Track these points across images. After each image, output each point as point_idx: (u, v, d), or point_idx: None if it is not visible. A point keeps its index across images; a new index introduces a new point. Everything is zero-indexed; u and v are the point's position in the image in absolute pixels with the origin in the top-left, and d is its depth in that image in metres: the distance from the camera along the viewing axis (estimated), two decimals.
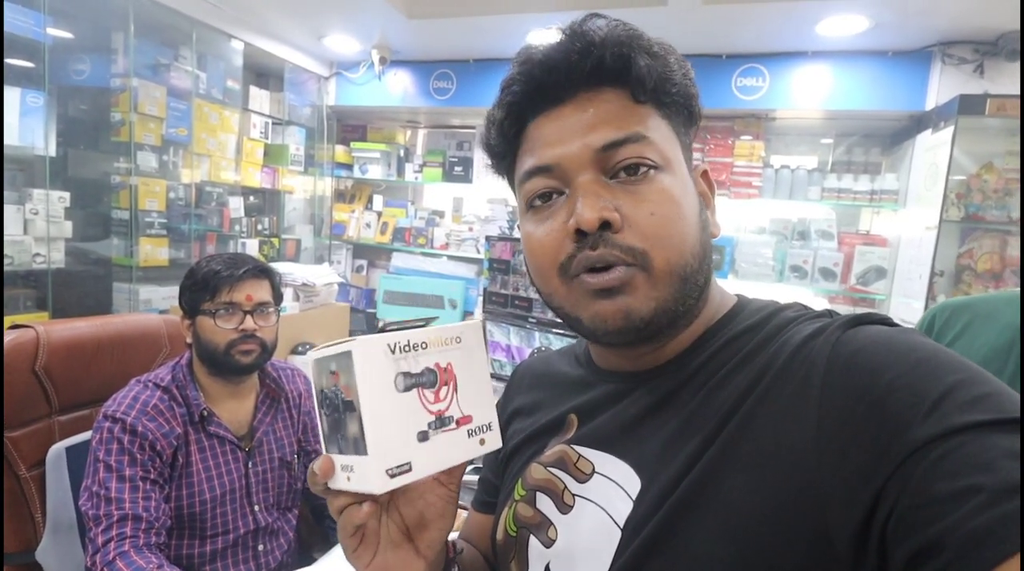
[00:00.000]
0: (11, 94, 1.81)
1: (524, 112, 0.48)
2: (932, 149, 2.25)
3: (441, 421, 0.42)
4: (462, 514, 0.67)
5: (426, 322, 0.44)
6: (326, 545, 1.40)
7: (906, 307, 2.29)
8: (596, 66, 0.44)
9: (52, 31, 1.88)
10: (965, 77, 2.23)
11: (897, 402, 0.35)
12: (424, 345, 0.42)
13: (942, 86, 2.26)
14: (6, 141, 1.81)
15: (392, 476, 0.39)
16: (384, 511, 0.45)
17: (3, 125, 1.39)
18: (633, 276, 0.43)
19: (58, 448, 1.23)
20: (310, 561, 1.24)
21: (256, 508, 1.27)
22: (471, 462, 0.45)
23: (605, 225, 0.43)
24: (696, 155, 0.46)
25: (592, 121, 0.44)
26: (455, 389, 0.43)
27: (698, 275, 0.45)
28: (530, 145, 0.48)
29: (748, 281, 2.55)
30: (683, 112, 0.48)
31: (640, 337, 0.45)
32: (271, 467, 1.30)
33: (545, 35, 2.21)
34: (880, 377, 0.36)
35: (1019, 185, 2.17)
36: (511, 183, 0.53)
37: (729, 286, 0.53)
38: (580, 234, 0.43)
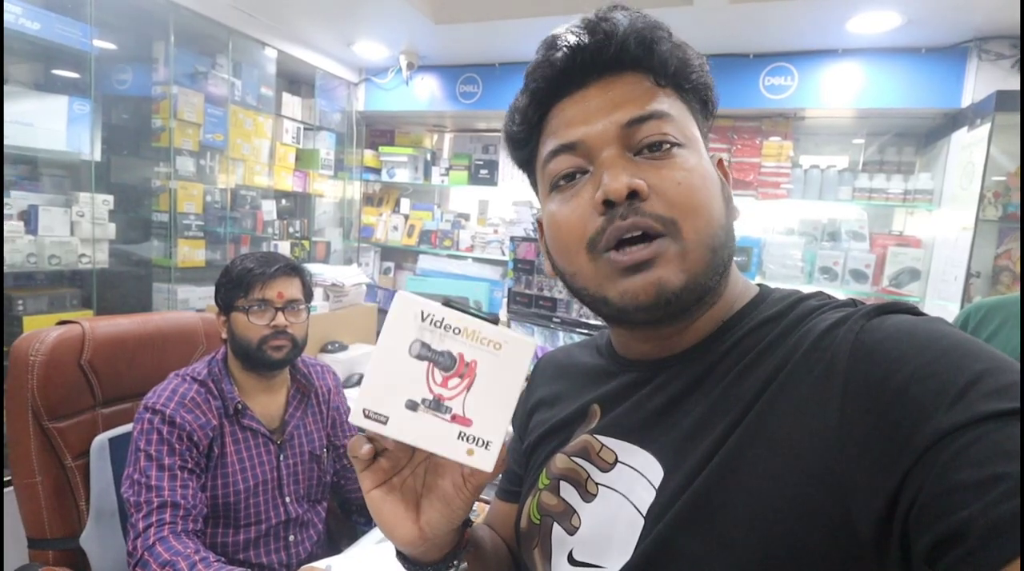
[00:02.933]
0: (59, 102, 1.90)
1: (548, 98, 0.49)
2: (968, 147, 2.19)
3: (436, 404, 0.41)
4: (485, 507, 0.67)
5: (494, 320, 0.43)
6: (353, 539, 1.43)
7: (941, 309, 2.22)
8: (619, 51, 0.46)
9: (98, 42, 1.97)
10: (1002, 73, 2.17)
11: (922, 390, 0.34)
12: (456, 330, 0.42)
13: (978, 82, 2.20)
14: (55, 147, 1.90)
15: (365, 416, 0.41)
16: (412, 464, 0.46)
17: (3, 124, 1.46)
18: (665, 249, 0.43)
19: (101, 439, 1.29)
20: (338, 553, 1.27)
21: (287, 500, 1.30)
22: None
23: (632, 195, 0.43)
24: (723, 155, 0.47)
25: (616, 100, 0.45)
26: (468, 387, 0.42)
27: (724, 249, 0.46)
28: (553, 127, 0.49)
29: (776, 283, 2.49)
30: (700, 100, 0.49)
31: (668, 313, 0.45)
32: (301, 460, 1.34)
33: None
34: (905, 365, 0.36)
35: (1019, 188, 2.10)
36: (531, 172, 0.54)
37: None
38: (608, 206, 0.44)
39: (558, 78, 0.47)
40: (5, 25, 1.70)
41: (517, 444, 0.65)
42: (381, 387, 0.41)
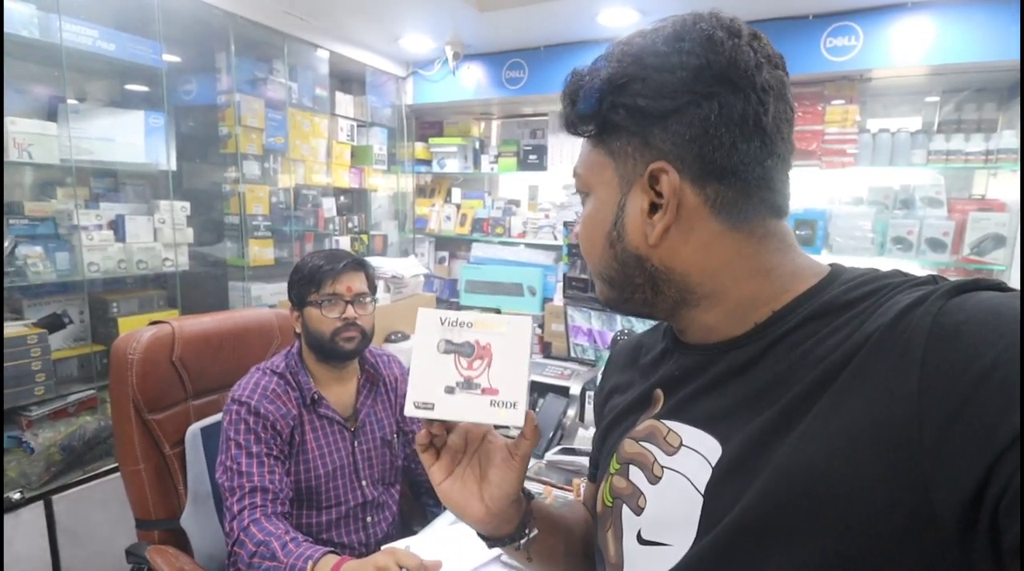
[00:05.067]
0: (135, 117, 2.03)
1: None
2: None
3: (468, 384, 0.52)
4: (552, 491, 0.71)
5: (496, 312, 0.53)
6: (425, 520, 1.49)
7: None
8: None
9: (166, 57, 2.08)
10: None
11: (1008, 374, 0.33)
12: (469, 325, 0.53)
13: None
14: (134, 159, 2.04)
15: (416, 408, 0.53)
16: (468, 454, 0.57)
17: (3, 137, 1.54)
18: (591, 273, 0.57)
19: (194, 429, 1.39)
20: (412, 534, 1.34)
21: (363, 483, 1.37)
22: (504, 428, 0.55)
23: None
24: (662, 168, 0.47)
25: None
26: (488, 365, 0.52)
27: (623, 277, 0.52)
28: None
29: (844, 255, 2.40)
30: (611, 127, 0.49)
31: (629, 313, 0.57)
32: (374, 446, 1.41)
33: (616, 15, 2.15)
34: (988, 349, 0.34)
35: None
36: None
37: (824, 262, 0.52)
38: None
39: None
40: (86, 47, 1.83)
41: (600, 430, 0.68)
42: (423, 381, 0.53)
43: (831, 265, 0.51)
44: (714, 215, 0.48)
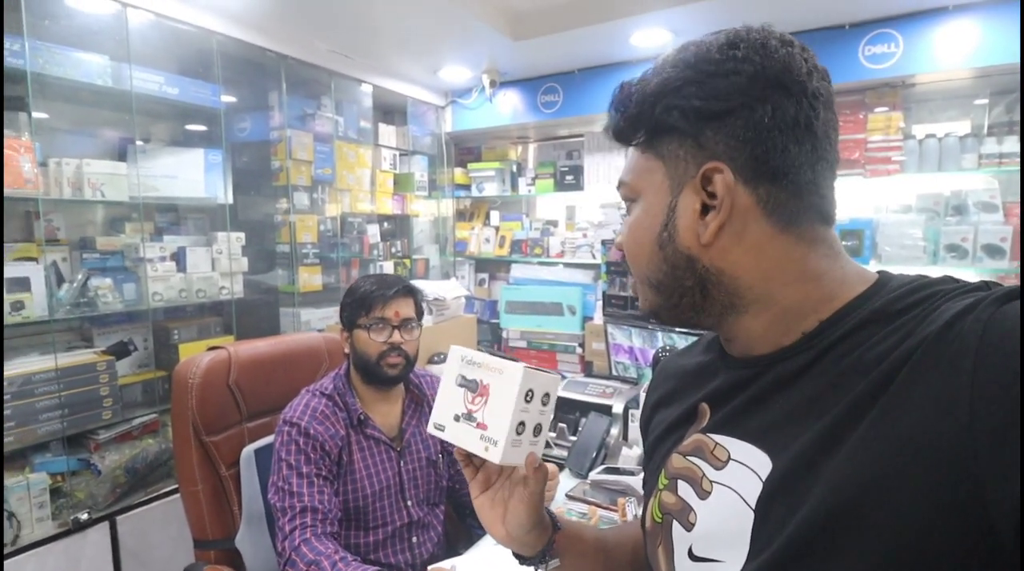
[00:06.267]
0: (196, 155, 2.17)
1: None
2: None
3: (469, 416, 0.60)
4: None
5: (511, 358, 0.62)
6: (470, 542, 1.49)
7: None
8: (613, 136, 0.56)
9: (224, 98, 2.22)
10: None
11: None
12: (479, 364, 0.60)
13: None
14: (195, 194, 2.17)
15: (435, 428, 0.62)
16: (503, 478, 0.63)
17: (2, 162, 1.61)
18: (636, 282, 0.57)
19: (248, 451, 1.44)
20: (457, 555, 1.34)
21: (409, 503, 1.39)
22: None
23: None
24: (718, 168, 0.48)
25: None
26: (485, 402, 0.59)
27: (672, 281, 0.52)
28: None
29: (895, 265, 2.30)
30: (663, 130, 0.50)
31: (673, 323, 0.57)
32: (419, 465, 1.43)
33: (648, 36, 2.17)
34: None
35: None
36: None
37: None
38: None
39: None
40: (153, 93, 1.97)
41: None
42: (441, 407, 0.62)
43: (879, 272, 0.50)
44: (766, 216, 0.48)
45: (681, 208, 0.50)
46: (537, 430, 0.60)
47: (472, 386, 0.60)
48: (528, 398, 0.58)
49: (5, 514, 1.65)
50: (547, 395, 0.61)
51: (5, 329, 1.68)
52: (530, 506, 0.61)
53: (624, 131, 0.53)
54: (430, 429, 0.62)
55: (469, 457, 0.62)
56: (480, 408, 0.59)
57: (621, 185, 0.56)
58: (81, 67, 1.80)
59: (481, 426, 0.58)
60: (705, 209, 0.49)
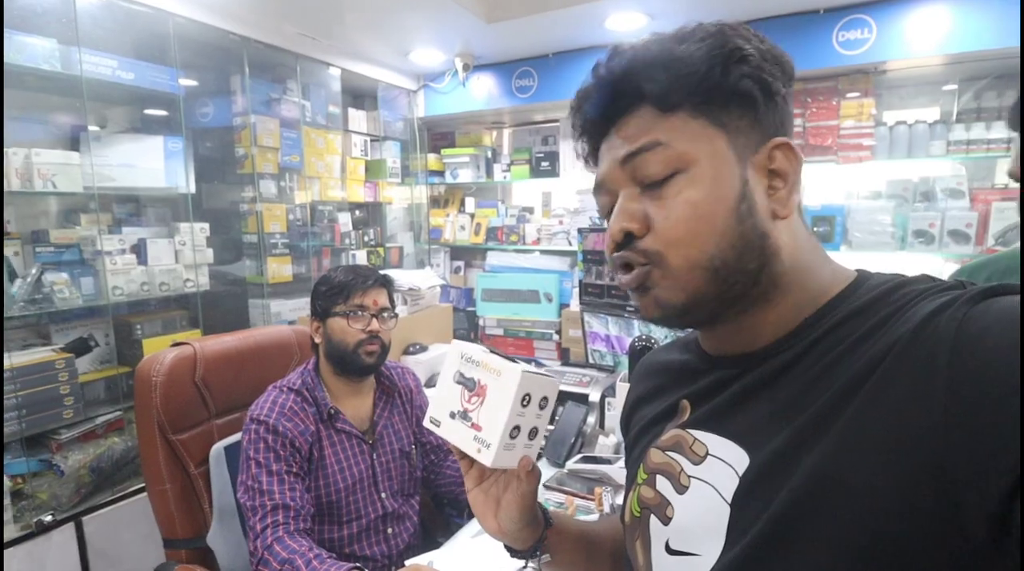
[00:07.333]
0: (155, 142, 2.08)
1: (593, 138, 0.55)
2: None
3: (464, 415, 0.59)
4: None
5: (510, 358, 0.59)
6: (448, 531, 1.49)
7: None
8: (618, 95, 0.50)
9: (183, 82, 2.13)
10: None
11: None
12: (478, 363, 0.59)
13: None
14: (155, 184, 2.09)
15: (431, 422, 0.62)
16: (491, 476, 0.63)
17: (2, 162, 1.57)
18: (648, 274, 0.49)
19: (218, 448, 1.41)
20: (435, 545, 1.33)
21: (383, 495, 1.38)
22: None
23: (630, 234, 0.49)
24: (796, 122, 0.47)
25: (623, 137, 0.51)
26: (481, 403, 0.58)
27: (737, 261, 0.47)
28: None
29: (864, 252, 2.35)
30: (728, 97, 0.48)
31: (697, 320, 0.51)
32: (392, 458, 1.42)
33: (624, 19, 2.15)
34: (1014, 354, 0.34)
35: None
36: None
37: (843, 258, 0.53)
38: (615, 244, 0.51)
39: (589, 126, 0.54)
40: (106, 78, 1.89)
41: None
42: (438, 402, 0.61)
43: (858, 270, 0.51)
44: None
45: (753, 182, 0.48)
46: (532, 433, 0.59)
47: (469, 385, 0.59)
48: (525, 402, 0.57)
49: None
50: (545, 399, 0.59)
51: None
52: (523, 504, 0.61)
53: (672, 91, 0.47)
54: (426, 423, 0.62)
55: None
56: (476, 408, 0.58)
57: (654, 146, 0.48)
58: (26, 51, 1.70)
59: (475, 427, 0.57)
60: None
